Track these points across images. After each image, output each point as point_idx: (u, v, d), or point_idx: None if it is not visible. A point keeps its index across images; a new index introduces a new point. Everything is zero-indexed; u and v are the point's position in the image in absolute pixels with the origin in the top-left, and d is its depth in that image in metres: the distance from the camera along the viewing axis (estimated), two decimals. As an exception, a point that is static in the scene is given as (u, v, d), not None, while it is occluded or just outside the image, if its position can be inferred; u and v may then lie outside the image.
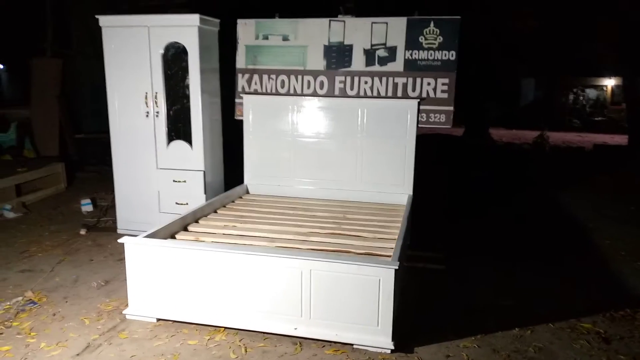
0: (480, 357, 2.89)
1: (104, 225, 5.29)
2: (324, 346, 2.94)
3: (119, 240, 3.21)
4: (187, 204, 4.75)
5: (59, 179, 6.59)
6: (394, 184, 4.75)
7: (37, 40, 8.66)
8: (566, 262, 4.50)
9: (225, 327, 3.10)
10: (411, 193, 4.69)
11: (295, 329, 3.00)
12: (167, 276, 3.15)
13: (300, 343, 2.96)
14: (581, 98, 22.79)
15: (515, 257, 4.58)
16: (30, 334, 3.04)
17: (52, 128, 8.28)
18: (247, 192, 5.08)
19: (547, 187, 7.70)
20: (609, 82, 21.91)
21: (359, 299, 2.90)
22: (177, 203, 4.81)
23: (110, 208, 5.84)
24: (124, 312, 3.26)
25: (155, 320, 3.19)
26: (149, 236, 3.33)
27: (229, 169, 5.39)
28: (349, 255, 3.30)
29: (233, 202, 4.72)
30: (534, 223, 5.80)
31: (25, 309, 3.36)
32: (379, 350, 2.88)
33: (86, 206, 5.74)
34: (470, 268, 4.25)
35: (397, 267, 2.79)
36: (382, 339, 2.89)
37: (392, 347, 2.87)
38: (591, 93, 22.82)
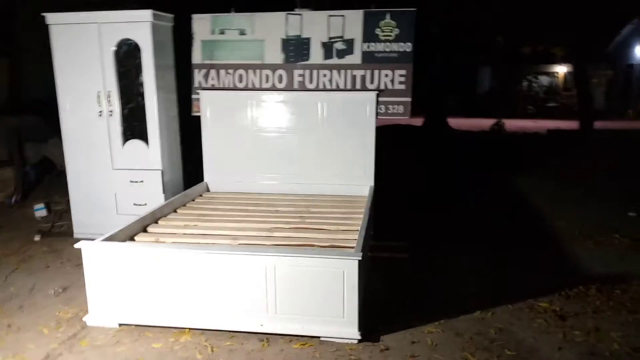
0: (444, 341, 2.96)
1: (59, 230, 5.10)
2: (291, 341, 2.94)
3: (75, 246, 3.10)
4: (145, 204, 4.63)
5: (8, 184, 6.29)
6: (356, 176, 4.78)
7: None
8: (524, 245, 4.65)
9: (190, 328, 3.05)
10: (372, 184, 4.74)
11: (262, 325, 2.98)
12: (127, 280, 3.07)
13: (267, 339, 2.95)
14: (535, 85, 23.57)
15: (475, 244, 4.70)
16: (-17, 347, 2.92)
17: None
18: (208, 190, 5.01)
19: (505, 173, 7.92)
20: (561, 69, 22.69)
21: (323, 291, 2.91)
22: (135, 204, 4.68)
23: (66, 212, 5.65)
24: (84, 319, 3.16)
25: (117, 326, 3.11)
26: (106, 239, 3.24)
27: (188, 167, 5.29)
28: (313, 248, 3.32)
29: (193, 200, 4.65)
30: (492, 209, 5.96)
31: (-23, 321, 3.22)
32: (346, 341, 2.91)
33: (40, 211, 5.52)
34: (432, 256, 4.33)
35: (360, 258, 2.82)
36: (348, 329, 2.92)
37: (359, 337, 2.90)
38: (544, 80, 23.62)
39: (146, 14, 4.38)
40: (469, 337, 3.00)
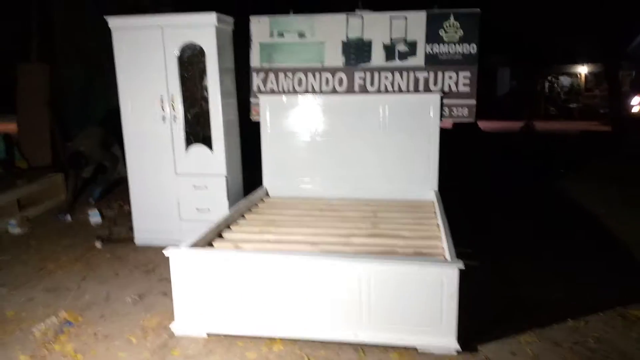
0: (544, 352, 2.87)
1: (118, 237, 5.07)
2: (387, 351, 2.87)
3: (164, 252, 3.04)
4: (209, 209, 4.60)
5: (58, 190, 6.30)
6: (419, 180, 4.69)
7: (21, 46, 8.26)
8: (594, 250, 4.54)
9: (282, 338, 2.99)
10: (436, 189, 4.65)
11: (356, 334, 2.92)
12: (215, 288, 3.02)
13: (362, 349, 2.88)
14: (556, 86, 23.30)
15: (542, 247, 4.59)
16: (76, 356, 2.88)
17: (42, 137, 7.94)
18: (267, 195, 4.96)
19: (548, 173, 7.80)
20: (582, 70, 22.41)
21: (420, 300, 2.83)
22: (197, 209, 4.64)
23: (119, 218, 5.64)
24: (170, 327, 3.11)
25: (205, 335, 3.06)
26: (191, 246, 3.19)
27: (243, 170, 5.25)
28: (398, 255, 3.24)
29: (256, 205, 4.60)
30: (549, 211, 5.84)
31: (63, 329, 3.18)
32: (444, 351, 2.83)
33: (95, 218, 5.50)
34: (502, 263, 4.23)
35: (462, 267, 2.74)
36: (446, 340, 2.84)
37: (459, 349, 2.82)
38: (565, 81, 23.34)
39: (211, 18, 4.33)
40: (569, 347, 2.91)
